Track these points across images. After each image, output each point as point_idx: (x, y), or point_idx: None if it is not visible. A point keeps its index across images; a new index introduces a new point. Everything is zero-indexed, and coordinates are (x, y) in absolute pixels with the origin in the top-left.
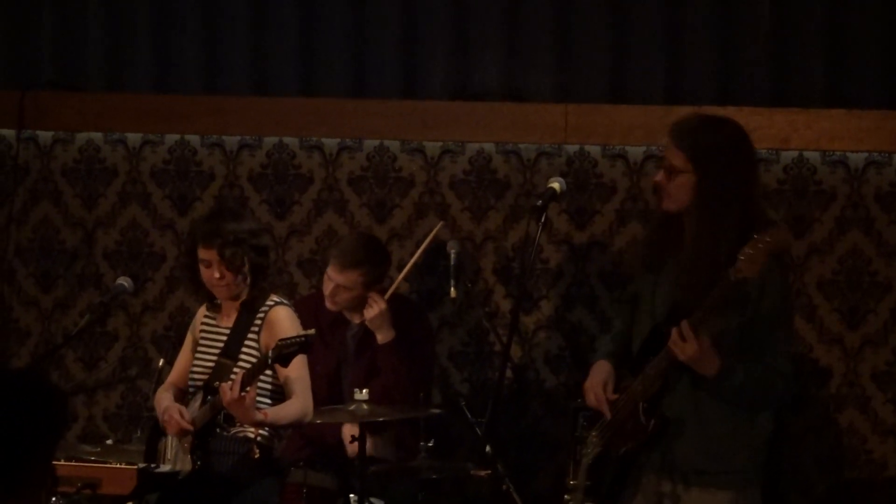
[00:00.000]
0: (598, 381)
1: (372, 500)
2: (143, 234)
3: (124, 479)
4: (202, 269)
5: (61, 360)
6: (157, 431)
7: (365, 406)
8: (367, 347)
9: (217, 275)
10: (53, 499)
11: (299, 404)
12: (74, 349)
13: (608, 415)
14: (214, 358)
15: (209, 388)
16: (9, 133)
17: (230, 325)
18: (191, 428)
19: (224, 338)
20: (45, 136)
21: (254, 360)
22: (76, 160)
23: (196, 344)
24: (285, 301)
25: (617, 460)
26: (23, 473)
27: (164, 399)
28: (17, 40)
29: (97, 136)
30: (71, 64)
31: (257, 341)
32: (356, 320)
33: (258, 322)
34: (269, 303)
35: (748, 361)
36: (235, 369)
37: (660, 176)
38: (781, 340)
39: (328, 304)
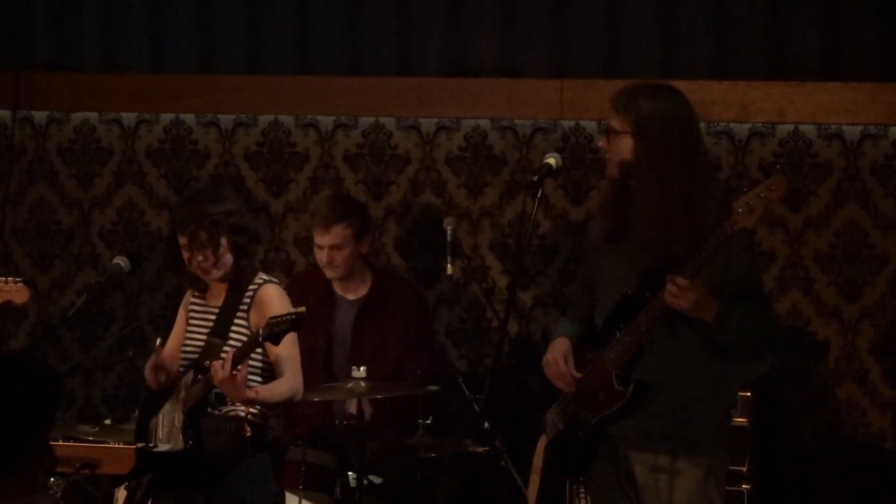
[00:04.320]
0: (560, 355)
1: (370, 477)
2: (140, 213)
3: (123, 458)
4: (185, 253)
5: (59, 341)
6: (148, 411)
7: (363, 383)
8: (366, 329)
9: (200, 258)
10: (52, 479)
11: (290, 382)
12: (71, 329)
13: (572, 388)
14: (204, 337)
15: (200, 367)
16: (4, 113)
17: (219, 304)
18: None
19: (213, 317)
20: (40, 116)
21: (244, 338)
22: (72, 140)
23: (186, 324)
24: (274, 279)
25: (587, 432)
26: (18, 453)
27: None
28: (12, 21)
29: (92, 115)
30: (66, 44)
31: (247, 320)
32: (349, 296)
33: (247, 301)
34: (257, 281)
35: (742, 303)
36: (225, 348)
37: (602, 141)
38: (759, 292)
39: (330, 274)
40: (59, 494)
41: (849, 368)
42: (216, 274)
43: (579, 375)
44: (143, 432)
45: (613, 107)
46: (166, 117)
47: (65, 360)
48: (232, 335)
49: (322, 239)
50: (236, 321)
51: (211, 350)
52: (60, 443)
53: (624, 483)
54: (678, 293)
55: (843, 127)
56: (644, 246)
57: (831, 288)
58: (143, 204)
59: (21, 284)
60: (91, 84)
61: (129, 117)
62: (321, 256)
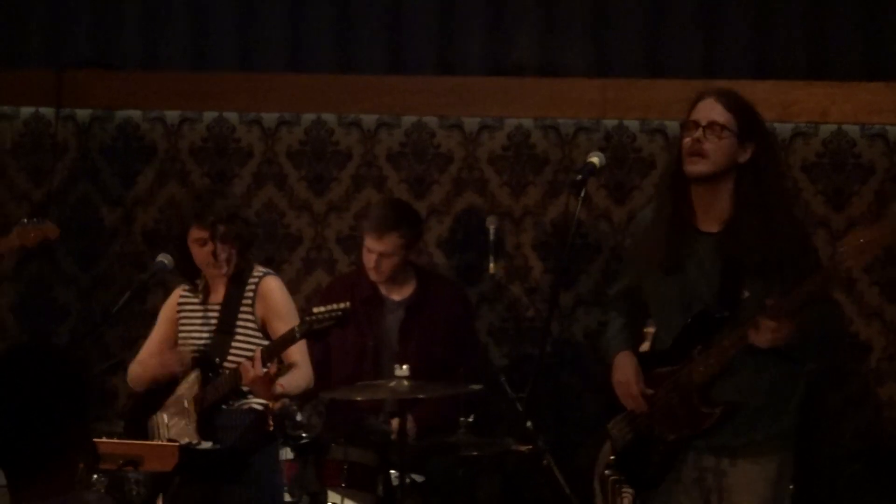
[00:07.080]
0: (632, 377)
1: (412, 475)
2: None
3: (166, 455)
4: (197, 249)
5: (101, 338)
6: (142, 410)
7: (405, 382)
8: (412, 329)
9: (219, 251)
10: (95, 476)
11: (304, 373)
12: (114, 327)
13: (646, 409)
14: (207, 335)
15: (207, 365)
16: (48, 111)
17: (219, 300)
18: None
19: (215, 314)
20: (83, 114)
21: (250, 332)
22: (114, 138)
23: (174, 324)
24: (272, 271)
25: (666, 448)
26: (46, 454)
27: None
28: (54, 20)
29: (136, 113)
30: (108, 42)
31: (252, 313)
32: (394, 297)
33: (250, 294)
34: (256, 274)
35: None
36: (234, 343)
37: (698, 133)
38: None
39: (374, 277)
40: (102, 491)
41: (891, 369)
42: (229, 267)
43: (651, 392)
44: (139, 430)
45: (721, 100)
46: (209, 115)
47: (107, 357)
48: (238, 329)
49: (374, 244)
50: (241, 315)
51: (220, 346)
52: (103, 439)
53: (690, 487)
54: (766, 334)
55: (887, 127)
56: (737, 258)
57: (873, 288)
58: None
59: (48, 221)
60: (133, 82)
61: (172, 115)
62: (369, 259)
